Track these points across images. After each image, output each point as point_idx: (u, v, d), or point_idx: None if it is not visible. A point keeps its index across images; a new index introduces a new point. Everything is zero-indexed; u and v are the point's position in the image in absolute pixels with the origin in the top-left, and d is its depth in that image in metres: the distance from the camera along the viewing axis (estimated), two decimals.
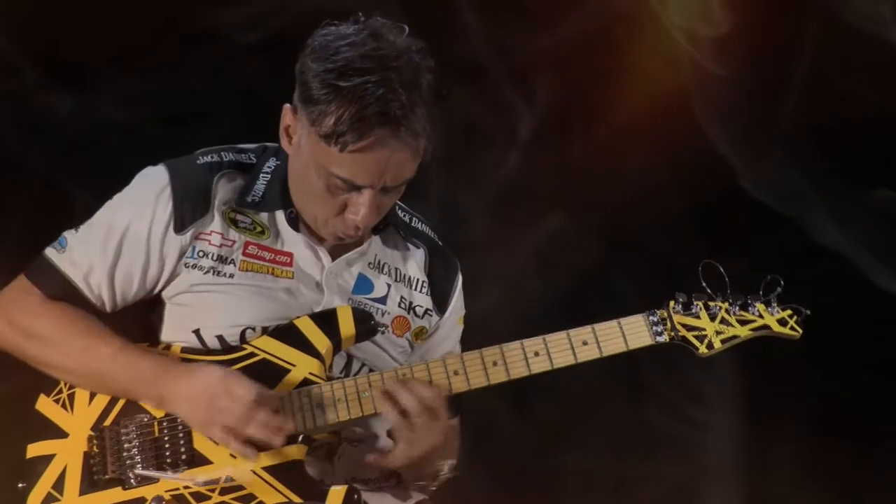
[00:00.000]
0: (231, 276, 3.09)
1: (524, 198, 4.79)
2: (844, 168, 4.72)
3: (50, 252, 3.11)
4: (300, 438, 3.02)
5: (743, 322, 3.06)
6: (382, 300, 3.22)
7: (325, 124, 2.91)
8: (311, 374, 3.05)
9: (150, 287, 3.11)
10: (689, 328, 3.05)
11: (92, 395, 3.07)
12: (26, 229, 4.28)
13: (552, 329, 3.06)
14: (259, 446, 2.97)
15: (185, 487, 2.98)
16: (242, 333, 3.08)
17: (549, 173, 4.79)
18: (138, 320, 3.17)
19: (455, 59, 4.48)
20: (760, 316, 3.06)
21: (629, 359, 3.12)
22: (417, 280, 3.29)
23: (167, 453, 3.01)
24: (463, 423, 3.35)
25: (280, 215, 3.14)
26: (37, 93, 4.36)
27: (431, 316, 3.30)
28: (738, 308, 3.06)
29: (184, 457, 3.01)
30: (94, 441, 3.04)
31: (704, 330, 3.05)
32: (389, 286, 3.23)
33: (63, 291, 3.08)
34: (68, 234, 3.12)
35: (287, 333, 3.08)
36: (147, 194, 3.09)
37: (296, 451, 3.02)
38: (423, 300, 3.28)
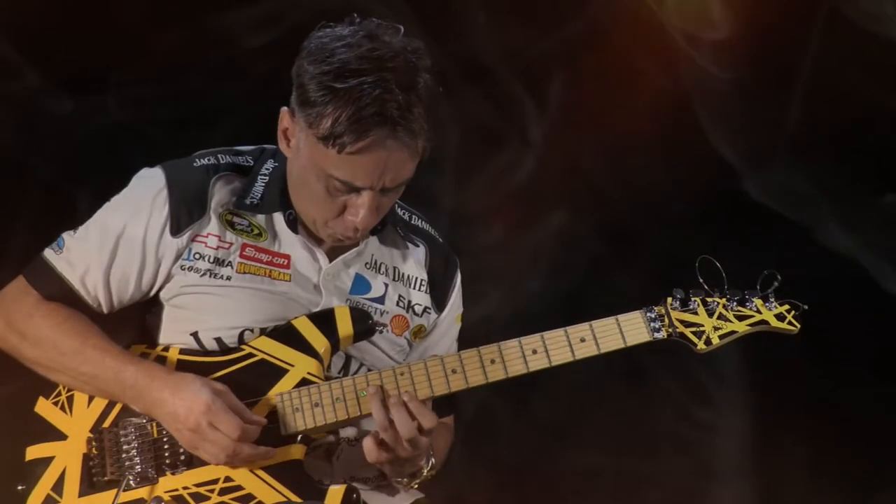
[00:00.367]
0: (228, 278, 3.09)
1: (524, 197, 4.78)
2: (850, 170, 4.70)
3: (48, 253, 3.12)
4: (299, 438, 3.02)
5: (740, 317, 3.05)
6: (380, 300, 3.22)
7: (323, 126, 2.91)
8: (309, 373, 3.05)
9: (146, 289, 3.11)
10: (687, 324, 3.04)
11: (91, 398, 3.08)
12: (27, 230, 4.28)
13: (552, 328, 3.05)
14: None
15: (184, 488, 2.99)
16: (241, 335, 3.08)
17: (552, 173, 4.79)
18: (137, 322, 3.18)
19: (455, 59, 4.47)
20: (758, 311, 3.05)
21: (629, 358, 3.12)
22: (416, 278, 3.28)
23: (166, 454, 3.01)
24: (457, 421, 3.35)
25: (278, 217, 3.14)
26: (38, 94, 4.36)
27: (430, 314, 3.29)
28: (735, 303, 3.05)
29: (182, 458, 3.01)
30: (93, 443, 3.04)
31: (702, 326, 3.04)
32: (387, 286, 3.23)
33: (59, 292, 3.08)
34: (66, 236, 3.13)
35: (285, 334, 3.08)
36: (143, 197, 3.09)
37: (295, 451, 3.02)
38: (421, 298, 3.28)
